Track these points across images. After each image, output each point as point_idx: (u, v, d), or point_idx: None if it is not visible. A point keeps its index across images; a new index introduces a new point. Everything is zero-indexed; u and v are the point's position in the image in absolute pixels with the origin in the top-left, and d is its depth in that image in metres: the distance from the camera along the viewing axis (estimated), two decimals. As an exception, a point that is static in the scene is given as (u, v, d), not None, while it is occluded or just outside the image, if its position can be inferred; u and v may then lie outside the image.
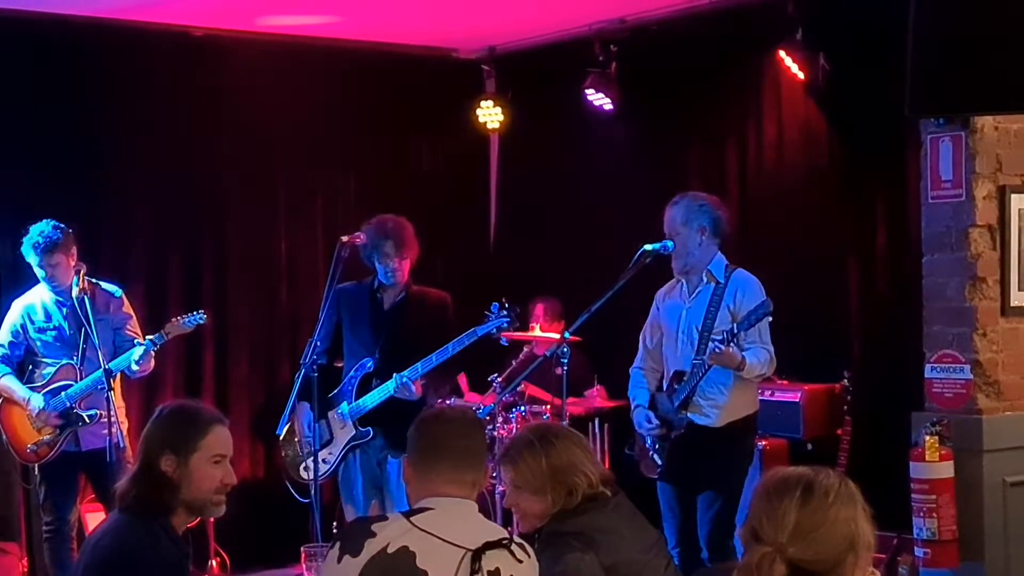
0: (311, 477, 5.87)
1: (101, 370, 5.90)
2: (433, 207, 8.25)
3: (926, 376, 5.56)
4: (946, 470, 5.29)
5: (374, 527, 3.09)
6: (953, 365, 5.44)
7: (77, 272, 6.07)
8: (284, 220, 8.07)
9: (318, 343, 5.81)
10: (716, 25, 7.17)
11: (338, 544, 3.11)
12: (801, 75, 6.76)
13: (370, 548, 3.04)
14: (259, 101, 7.80)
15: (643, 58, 7.57)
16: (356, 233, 5.95)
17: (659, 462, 5.56)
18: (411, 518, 3.10)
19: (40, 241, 6.04)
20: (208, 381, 7.73)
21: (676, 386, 5.55)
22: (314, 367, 5.76)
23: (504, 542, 3.05)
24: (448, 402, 6.43)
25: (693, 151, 7.66)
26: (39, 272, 6.12)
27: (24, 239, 6.10)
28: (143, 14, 7.18)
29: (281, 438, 6.17)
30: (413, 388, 5.84)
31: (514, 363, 7.44)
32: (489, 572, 3.00)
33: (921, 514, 5.29)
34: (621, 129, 7.90)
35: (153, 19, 7.30)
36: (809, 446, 6.52)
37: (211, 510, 3.52)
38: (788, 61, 6.77)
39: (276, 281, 8.02)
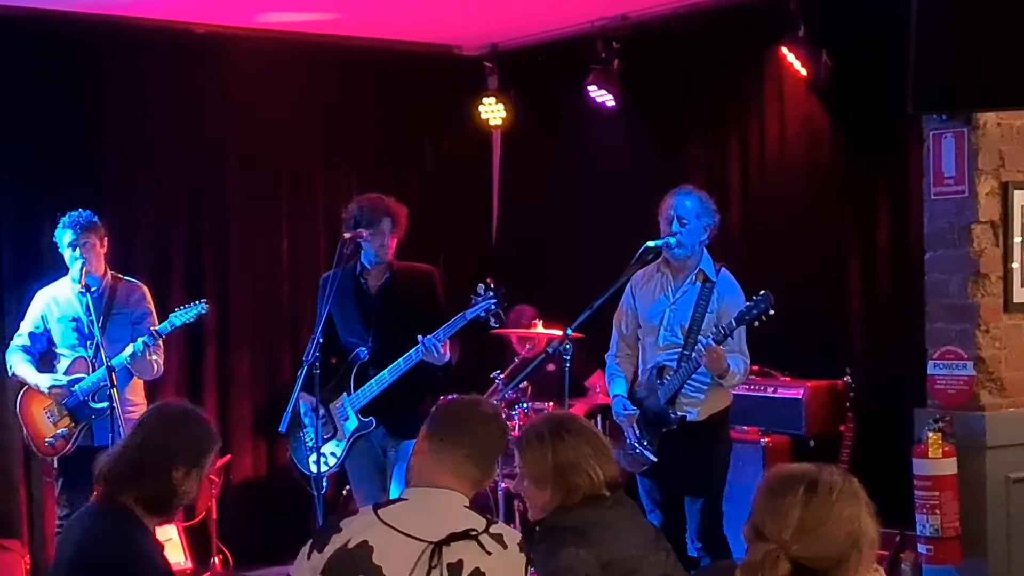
0: (319, 470, 5.85)
1: (104, 367, 5.91)
2: (435, 204, 8.25)
3: (929, 372, 5.54)
4: (949, 467, 5.28)
5: (342, 523, 3.07)
6: (956, 361, 5.44)
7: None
8: (286, 217, 8.07)
9: (321, 340, 5.79)
10: (718, 22, 7.17)
11: (310, 540, 3.09)
12: (803, 71, 6.75)
13: (334, 543, 3.01)
14: (261, 98, 7.80)
15: (645, 55, 7.57)
16: (358, 230, 5.94)
17: (651, 457, 5.53)
18: (379, 511, 3.07)
19: (78, 216, 6.13)
20: (210, 378, 7.74)
21: (659, 381, 5.54)
22: (316, 364, 5.74)
23: (473, 533, 3.00)
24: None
25: (695, 148, 7.66)
26: (69, 254, 6.12)
27: (61, 220, 6.14)
28: (144, 11, 7.18)
29: (287, 432, 6.14)
30: (440, 348, 5.75)
31: (516, 360, 7.44)
32: (450, 564, 2.95)
33: (924, 511, 5.28)
34: (623, 126, 7.89)
35: (155, 16, 7.30)
36: (812, 443, 6.51)
37: (171, 517, 3.50)
38: (790, 58, 6.76)
39: (278, 279, 8.03)
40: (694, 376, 5.46)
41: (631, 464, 5.64)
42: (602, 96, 7.68)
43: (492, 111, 8.41)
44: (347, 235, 5.91)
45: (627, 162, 7.92)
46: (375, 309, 6.00)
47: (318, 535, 3.08)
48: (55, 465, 6.28)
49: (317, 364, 5.71)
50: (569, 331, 5.67)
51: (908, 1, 5.14)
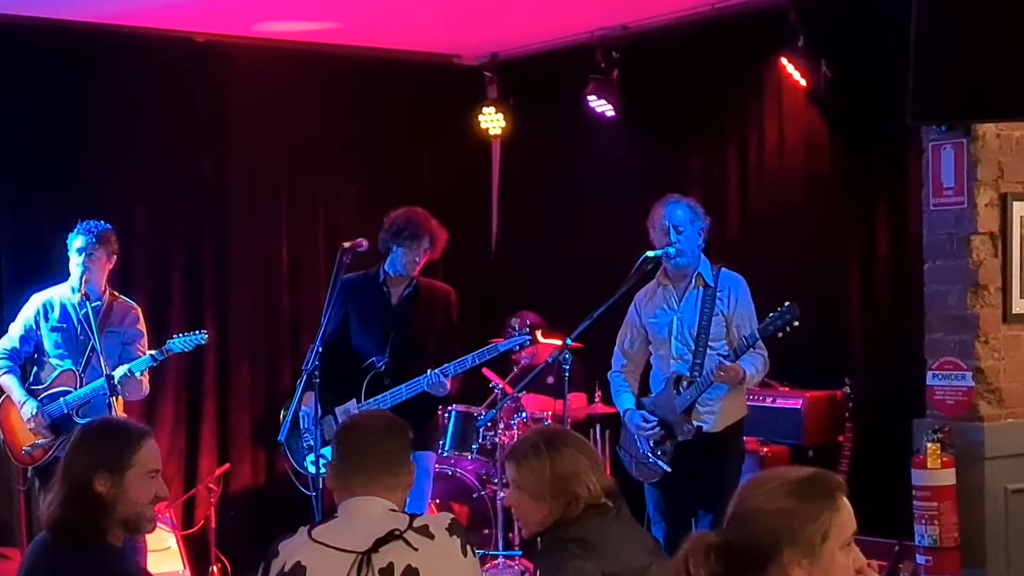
0: (315, 472, 5.83)
1: (103, 378, 5.89)
2: (435, 213, 8.21)
3: (928, 383, 5.55)
4: (948, 477, 5.28)
5: (280, 545, 3.12)
6: (955, 372, 5.44)
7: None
8: (286, 226, 8.07)
9: (320, 348, 5.78)
10: (718, 32, 7.18)
11: (261, 564, 3.13)
12: (803, 82, 6.77)
13: (274, 568, 3.07)
14: (261, 107, 7.81)
15: (645, 65, 7.58)
16: (358, 239, 5.93)
17: (665, 468, 5.53)
18: (312, 530, 3.12)
19: (95, 226, 6.10)
20: (209, 387, 7.74)
21: (676, 391, 5.55)
22: (316, 373, 5.73)
23: (396, 533, 3.03)
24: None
25: (695, 158, 7.66)
26: (75, 259, 6.08)
27: (78, 225, 6.11)
28: (144, 20, 7.19)
29: (287, 433, 6.10)
30: (446, 383, 5.86)
31: (516, 370, 7.44)
32: (381, 570, 2.99)
33: (923, 521, 5.28)
34: (623, 136, 7.90)
35: (155, 25, 7.31)
36: (810, 453, 6.51)
37: (145, 525, 3.40)
38: (790, 68, 6.78)
39: (278, 287, 8.03)
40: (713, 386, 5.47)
41: (643, 474, 5.65)
42: (601, 106, 7.69)
43: (492, 120, 8.43)
44: (346, 244, 5.91)
45: (626, 172, 7.92)
46: (394, 322, 6.01)
47: (265, 559, 3.13)
48: (28, 474, 6.26)
49: (316, 373, 5.71)
50: (568, 340, 5.67)
51: (908, 12, 5.15)
